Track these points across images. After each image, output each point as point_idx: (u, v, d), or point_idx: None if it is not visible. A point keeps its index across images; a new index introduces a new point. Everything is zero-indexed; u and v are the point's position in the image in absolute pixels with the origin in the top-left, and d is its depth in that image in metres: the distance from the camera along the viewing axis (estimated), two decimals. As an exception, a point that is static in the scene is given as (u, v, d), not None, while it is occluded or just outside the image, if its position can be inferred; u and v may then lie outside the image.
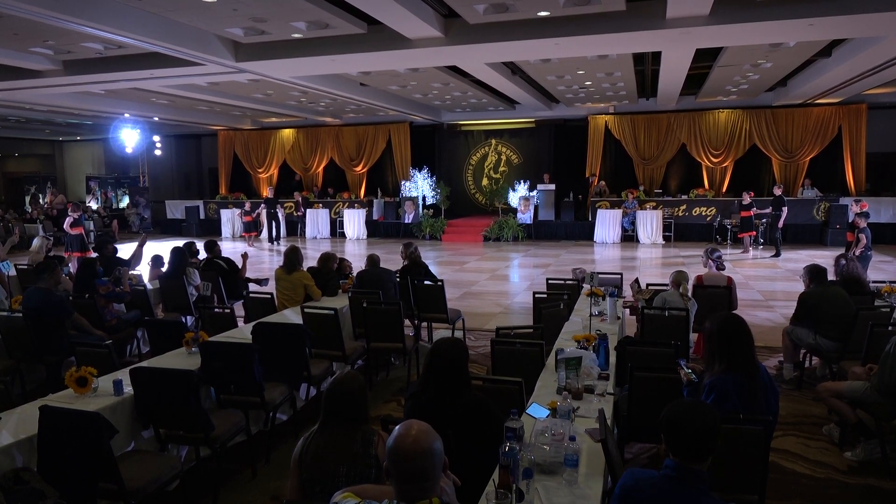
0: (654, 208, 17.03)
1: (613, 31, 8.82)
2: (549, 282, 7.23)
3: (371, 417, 2.80)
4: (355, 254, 15.42)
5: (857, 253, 8.74)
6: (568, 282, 7.04)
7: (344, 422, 2.58)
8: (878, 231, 14.18)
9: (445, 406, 2.90)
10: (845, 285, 5.77)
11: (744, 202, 14.44)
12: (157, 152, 22.08)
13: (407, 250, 7.37)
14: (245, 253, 8.57)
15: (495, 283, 11.20)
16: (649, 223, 16.74)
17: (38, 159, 26.66)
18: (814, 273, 5.65)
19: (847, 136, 16.86)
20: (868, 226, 9.26)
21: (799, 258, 13.32)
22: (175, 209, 21.91)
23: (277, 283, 6.49)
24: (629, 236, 17.00)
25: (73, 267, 9.41)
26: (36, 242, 9.04)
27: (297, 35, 9.62)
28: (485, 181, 20.96)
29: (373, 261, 6.87)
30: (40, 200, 24.37)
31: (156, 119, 18.87)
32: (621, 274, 7.40)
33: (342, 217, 19.54)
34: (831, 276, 6.01)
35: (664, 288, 5.98)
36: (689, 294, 5.84)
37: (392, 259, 7.42)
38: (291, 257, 6.44)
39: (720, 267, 6.51)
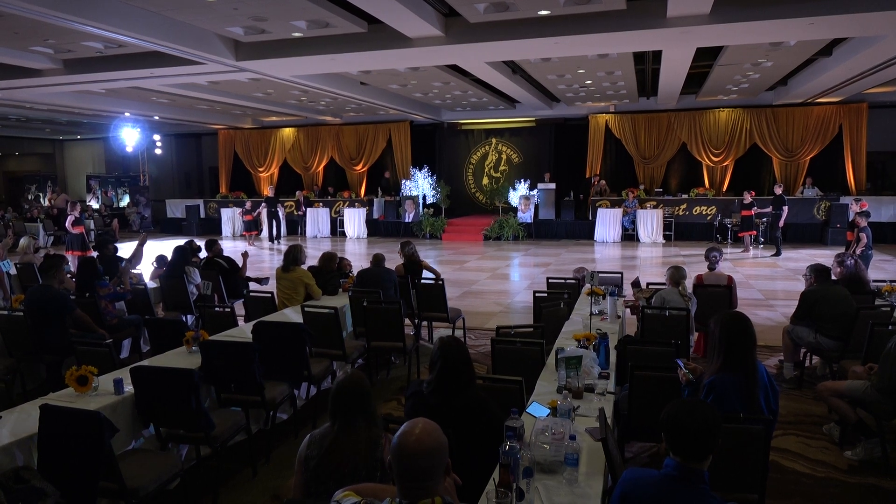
0: (655, 207, 17.02)
1: (614, 30, 8.81)
2: (550, 281, 7.22)
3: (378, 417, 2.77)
4: (356, 253, 15.43)
5: (858, 252, 8.74)
6: (568, 281, 7.03)
7: (356, 421, 2.57)
8: (879, 230, 14.18)
9: (446, 405, 2.90)
10: (847, 284, 5.77)
11: (745, 201, 14.43)
12: (158, 151, 22.10)
13: (404, 249, 7.38)
14: (245, 252, 8.57)
15: (496, 282, 11.20)
16: (650, 222, 16.74)
17: (38, 158, 26.66)
18: (818, 272, 5.66)
19: (847, 136, 16.85)
20: (868, 225, 9.26)
21: (799, 257, 13.32)
22: (175, 208, 21.92)
23: (278, 282, 6.48)
24: (629, 235, 17.00)
25: (72, 266, 9.42)
26: (22, 242, 9.07)
27: (297, 34, 9.62)
28: (485, 180, 20.95)
29: (377, 260, 6.87)
30: (41, 200, 24.38)
31: (156, 118, 18.87)
32: (621, 273, 7.40)
33: (342, 216, 19.55)
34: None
35: (664, 286, 5.96)
36: (689, 292, 5.83)
37: (392, 258, 7.42)
38: (292, 256, 6.44)
39: (712, 267, 6.49)
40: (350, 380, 2.66)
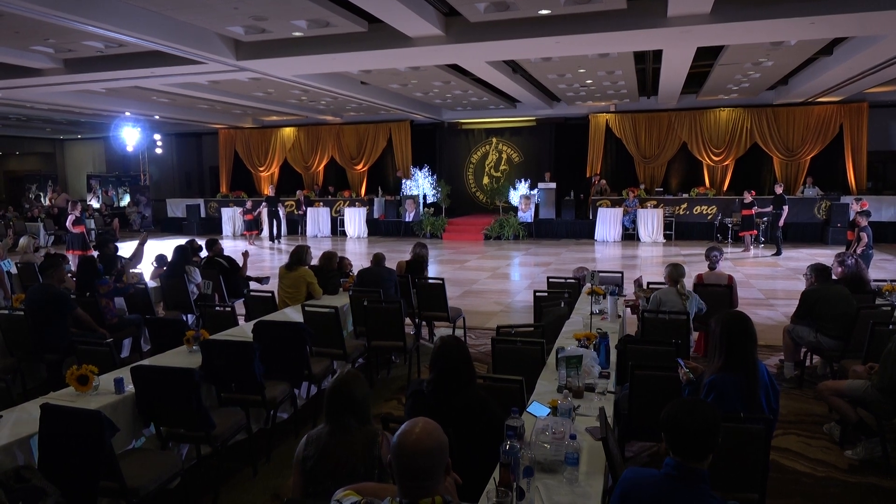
0: (655, 207, 17.02)
1: (614, 29, 8.81)
2: (550, 280, 7.22)
3: (372, 416, 2.78)
4: (356, 252, 15.44)
5: (859, 251, 8.73)
6: (569, 280, 7.03)
7: (348, 421, 2.58)
8: (879, 230, 14.17)
9: (447, 404, 2.90)
10: (847, 283, 5.76)
11: (745, 201, 14.43)
12: (158, 150, 22.09)
13: (416, 248, 7.41)
14: (246, 251, 8.57)
15: (496, 281, 11.20)
16: (650, 222, 16.73)
17: (39, 158, 26.67)
18: (818, 271, 5.65)
19: (848, 135, 16.84)
20: (869, 224, 9.25)
21: (800, 257, 13.31)
22: (176, 207, 21.92)
23: (280, 280, 6.49)
24: (630, 235, 17.00)
25: (73, 265, 9.41)
26: (22, 241, 9.09)
27: (297, 33, 9.62)
28: (486, 180, 20.95)
29: (377, 259, 6.88)
30: (41, 199, 24.38)
31: (157, 117, 18.87)
32: (622, 272, 7.40)
33: (343, 216, 19.55)
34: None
35: (663, 285, 5.94)
36: (691, 289, 5.80)
37: (393, 258, 7.43)
38: (298, 255, 6.46)
39: (712, 267, 6.48)
40: (340, 380, 2.67)
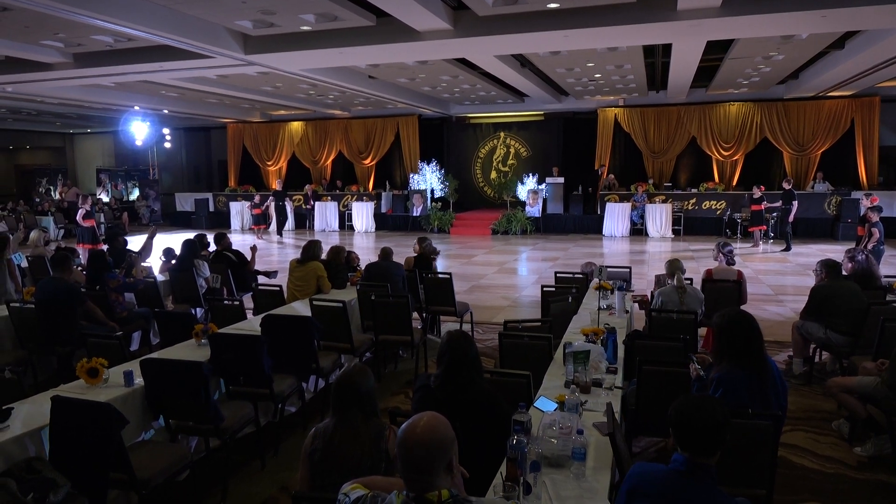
0: (664, 202, 16.95)
1: (623, 23, 8.76)
2: (558, 275, 7.21)
3: (380, 410, 2.78)
4: (364, 247, 15.46)
5: (869, 247, 8.66)
6: (576, 275, 7.01)
7: (354, 415, 2.59)
8: (891, 225, 14.03)
9: (454, 399, 2.91)
10: (857, 279, 5.72)
11: (754, 196, 14.33)
12: (167, 145, 22.16)
13: (422, 244, 7.42)
14: (254, 245, 8.60)
15: (503, 276, 11.19)
16: (658, 217, 16.67)
17: (49, 151, 26.84)
18: (829, 267, 5.61)
19: (859, 130, 16.69)
20: (880, 220, 9.17)
21: (810, 252, 13.22)
22: (185, 202, 22.01)
23: (291, 273, 6.50)
24: (638, 230, 16.95)
25: (83, 258, 9.48)
26: (33, 235, 9.15)
27: (305, 27, 9.62)
28: (493, 174, 20.92)
29: (385, 253, 6.88)
30: (51, 193, 24.55)
31: (165, 112, 18.94)
32: (630, 268, 7.38)
33: (351, 210, 19.57)
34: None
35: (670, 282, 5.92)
36: (694, 285, 5.76)
37: (400, 252, 7.44)
38: (311, 251, 6.48)
39: (730, 262, 6.45)
40: (345, 373, 2.69)
